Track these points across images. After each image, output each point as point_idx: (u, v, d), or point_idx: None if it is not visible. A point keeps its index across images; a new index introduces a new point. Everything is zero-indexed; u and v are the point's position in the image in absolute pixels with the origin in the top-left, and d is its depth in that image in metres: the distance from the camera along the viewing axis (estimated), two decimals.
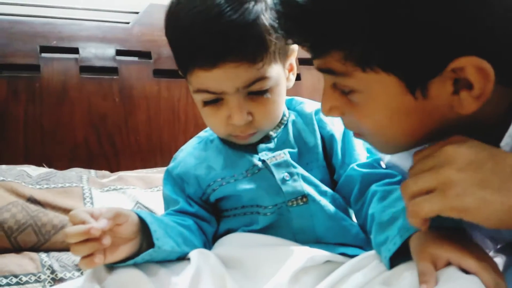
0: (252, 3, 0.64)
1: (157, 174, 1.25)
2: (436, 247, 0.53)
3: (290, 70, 0.76)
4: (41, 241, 0.90)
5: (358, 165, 0.74)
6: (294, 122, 0.78)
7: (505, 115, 0.49)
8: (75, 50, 1.45)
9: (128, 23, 1.55)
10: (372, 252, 0.64)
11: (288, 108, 0.80)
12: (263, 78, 0.67)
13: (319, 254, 0.66)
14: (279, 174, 0.71)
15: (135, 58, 1.54)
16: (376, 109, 0.51)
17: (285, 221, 0.72)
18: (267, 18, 0.64)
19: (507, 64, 0.47)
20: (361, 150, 0.76)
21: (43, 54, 1.41)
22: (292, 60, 0.75)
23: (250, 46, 0.64)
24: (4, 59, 1.37)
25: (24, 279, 0.83)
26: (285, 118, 0.77)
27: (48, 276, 0.86)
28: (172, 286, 0.61)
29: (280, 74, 0.70)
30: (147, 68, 1.52)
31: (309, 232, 0.71)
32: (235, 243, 0.72)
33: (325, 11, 0.46)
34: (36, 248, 0.90)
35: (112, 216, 0.57)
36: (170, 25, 0.69)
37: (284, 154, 0.73)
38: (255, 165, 0.73)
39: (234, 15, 0.62)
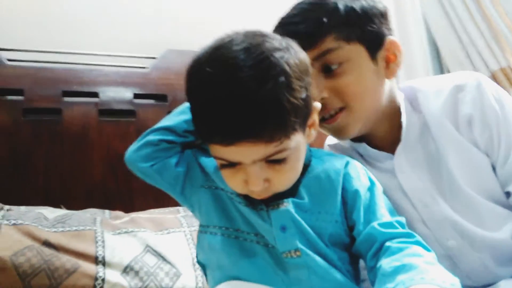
0: (273, 81, 0.62)
1: (168, 215, 1.29)
2: None
3: (311, 126, 0.74)
4: (53, 285, 0.94)
5: (379, 224, 0.73)
6: (315, 170, 0.77)
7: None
8: (95, 94, 1.53)
9: (146, 67, 1.63)
10: None
11: (313, 156, 0.79)
12: (281, 151, 0.66)
13: None
14: (276, 224, 0.72)
15: (152, 101, 1.61)
16: (354, 71, 0.81)
17: (282, 270, 0.72)
18: (289, 97, 0.63)
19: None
20: (384, 211, 0.75)
21: (65, 99, 1.49)
22: (314, 116, 0.74)
23: (268, 128, 0.63)
24: (29, 103, 1.45)
25: None
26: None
27: None
28: None
29: (299, 141, 0.69)
30: (163, 110, 1.58)
31: (305, 283, 0.72)
32: None
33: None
34: None
35: None
36: (191, 89, 0.67)
37: (288, 203, 0.73)
38: (259, 206, 0.73)
39: (256, 96, 0.61)
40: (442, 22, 2.07)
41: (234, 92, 0.61)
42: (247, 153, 0.65)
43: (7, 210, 1.11)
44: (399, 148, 0.86)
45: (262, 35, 0.66)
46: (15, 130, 1.41)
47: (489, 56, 1.96)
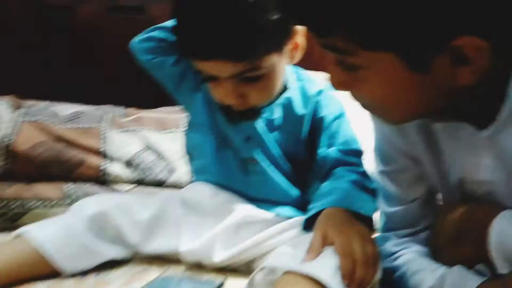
0: (244, 5, 0.68)
1: (173, 115, 1.39)
2: (330, 228, 0.65)
3: (295, 48, 0.79)
4: (63, 174, 1.12)
5: (336, 150, 0.80)
6: (292, 94, 0.83)
7: (498, 86, 0.52)
8: None
9: None
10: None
11: (297, 79, 0.85)
12: (254, 68, 0.73)
13: (258, 213, 0.80)
14: (243, 134, 0.82)
15: None
16: (380, 84, 0.52)
17: (244, 172, 0.83)
18: (258, 21, 0.69)
19: (504, 42, 0.48)
20: (345, 139, 0.81)
21: None
22: (298, 38, 0.78)
23: (236, 49, 0.70)
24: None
25: (52, 203, 1.07)
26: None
27: (71, 202, 1.08)
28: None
29: (275, 61, 0.75)
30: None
31: (261, 188, 0.83)
32: (202, 192, 0.86)
33: None
34: (61, 179, 1.12)
35: None
36: (174, 10, 0.75)
37: (258, 119, 0.81)
38: (234, 117, 0.82)
39: (226, 19, 0.68)
40: None
41: (208, 15, 0.69)
42: (221, 69, 0.73)
43: (28, 106, 1.26)
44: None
45: None
46: (35, 24, 1.53)
47: None
